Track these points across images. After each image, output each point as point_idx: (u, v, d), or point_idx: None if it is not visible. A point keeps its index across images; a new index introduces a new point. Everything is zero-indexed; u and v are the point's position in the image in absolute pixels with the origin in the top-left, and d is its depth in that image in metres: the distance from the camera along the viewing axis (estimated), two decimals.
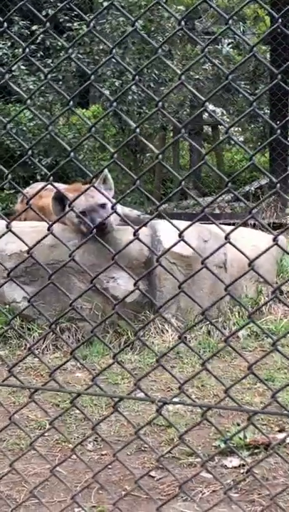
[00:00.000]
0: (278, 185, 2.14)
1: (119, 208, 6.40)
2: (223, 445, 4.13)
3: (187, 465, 4.01)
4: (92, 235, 2.49)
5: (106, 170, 6.15)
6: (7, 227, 2.43)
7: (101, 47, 9.65)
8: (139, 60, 9.64)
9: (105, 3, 9.08)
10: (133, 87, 9.16)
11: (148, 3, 9.41)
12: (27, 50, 2.32)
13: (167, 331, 5.82)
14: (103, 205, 5.94)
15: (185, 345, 2.28)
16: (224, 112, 12.60)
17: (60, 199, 5.76)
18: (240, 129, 12.70)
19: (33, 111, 2.40)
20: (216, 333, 5.90)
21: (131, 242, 2.43)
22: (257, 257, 2.08)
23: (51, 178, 2.33)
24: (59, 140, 2.31)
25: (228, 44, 11.86)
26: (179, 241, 2.26)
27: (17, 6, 2.46)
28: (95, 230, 2.52)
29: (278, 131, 2.21)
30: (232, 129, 11.59)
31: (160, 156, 2.15)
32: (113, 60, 9.03)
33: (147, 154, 10.19)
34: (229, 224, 8.78)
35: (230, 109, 12.09)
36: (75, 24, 9.56)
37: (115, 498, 3.15)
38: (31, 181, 8.99)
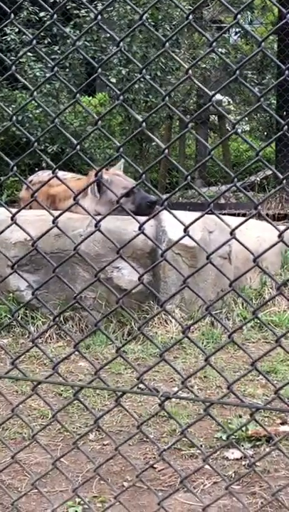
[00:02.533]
0: (284, 181, 2.14)
1: None
2: (225, 437, 4.15)
3: (189, 456, 4.03)
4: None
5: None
6: (12, 220, 2.43)
7: (108, 35, 9.60)
8: (146, 48, 9.59)
9: None
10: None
11: None
12: (34, 42, 2.31)
13: (171, 321, 5.82)
14: None
15: (188, 340, 2.28)
16: (230, 101, 12.55)
17: (98, 183, 6.04)
18: (246, 118, 12.65)
19: (40, 103, 2.39)
20: (219, 324, 5.90)
21: (136, 236, 2.43)
22: (261, 254, 2.08)
23: (57, 171, 2.33)
24: (64, 132, 2.30)
25: (236, 33, 11.80)
26: (183, 236, 2.26)
27: None
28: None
29: (285, 127, 2.20)
30: (238, 118, 11.54)
31: (166, 151, 2.14)
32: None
33: (153, 143, 10.16)
34: (234, 214, 8.77)
35: (236, 99, 12.03)
36: (83, 11, 9.52)
37: (117, 489, 3.16)
38: (37, 169, 8.96)
